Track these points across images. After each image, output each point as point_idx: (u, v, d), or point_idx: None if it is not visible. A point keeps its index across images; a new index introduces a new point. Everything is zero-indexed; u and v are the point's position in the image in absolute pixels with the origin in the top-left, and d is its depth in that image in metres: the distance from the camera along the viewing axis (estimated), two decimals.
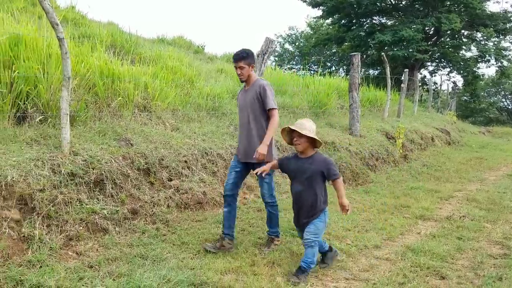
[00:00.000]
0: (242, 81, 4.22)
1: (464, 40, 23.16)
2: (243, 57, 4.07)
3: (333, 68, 30.68)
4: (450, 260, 4.14)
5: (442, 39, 23.08)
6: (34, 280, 3.18)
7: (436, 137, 12.93)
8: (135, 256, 3.88)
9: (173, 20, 69.24)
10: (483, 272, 3.86)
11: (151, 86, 6.61)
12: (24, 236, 3.64)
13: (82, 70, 5.79)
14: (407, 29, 19.93)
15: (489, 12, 21.64)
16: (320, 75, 13.52)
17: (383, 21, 24.17)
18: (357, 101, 9.35)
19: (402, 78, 13.92)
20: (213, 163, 5.89)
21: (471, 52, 23.91)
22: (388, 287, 3.52)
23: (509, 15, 22.23)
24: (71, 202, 4.12)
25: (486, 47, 22.59)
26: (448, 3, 21.48)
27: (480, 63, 23.70)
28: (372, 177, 8.10)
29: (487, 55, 22.81)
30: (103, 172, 4.52)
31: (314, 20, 31.80)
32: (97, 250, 3.96)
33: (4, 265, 3.35)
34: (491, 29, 21.20)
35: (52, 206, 3.93)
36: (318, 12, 28.00)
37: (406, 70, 14.41)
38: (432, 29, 22.60)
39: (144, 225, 4.54)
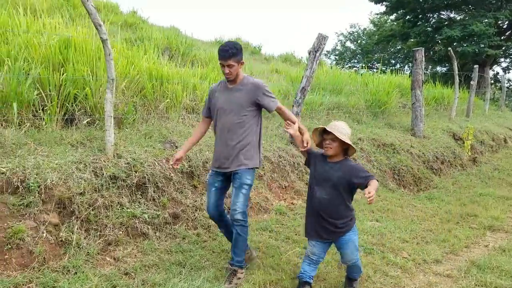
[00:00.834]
0: (229, 81, 3.58)
1: None
2: (232, 53, 3.38)
3: (398, 66, 29.43)
4: None
5: None
6: (66, 287, 3.11)
7: (510, 138, 11.84)
8: (173, 264, 3.73)
9: (233, 22, 70.00)
10: None
11: (199, 88, 6.51)
12: (61, 240, 3.60)
13: (132, 72, 5.78)
14: (478, 23, 18.59)
15: None
16: (381, 72, 12.87)
17: (451, 15, 22.75)
18: (420, 100, 8.72)
19: (472, 75, 12.93)
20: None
21: None
22: None
23: None
24: (111, 205, 4.05)
25: None
26: None
27: None
28: (436, 181, 7.49)
29: None
30: (145, 175, 4.42)
31: (378, 17, 30.73)
32: (135, 256, 3.85)
33: (39, 270, 3.31)
34: None
35: (92, 210, 3.88)
36: (381, 8, 27.07)
37: (476, 66, 13.36)
38: (506, 22, 20.92)
39: (185, 230, 4.39)
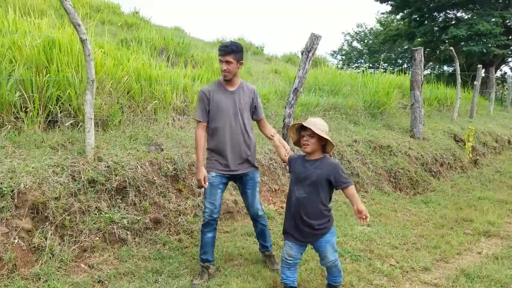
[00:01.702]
0: (226, 79, 3.55)
1: None
2: (232, 50, 3.43)
3: (405, 66, 29.10)
4: None
5: None
6: None
7: None
8: (149, 271, 3.62)
9: (238, 23, 69.94)
10: None
11: (190, 89, 6.39)
12: (34, 247, 3.50)
13: (119, 73, 5.67)
14: (484, 22, 18.30)
15: None
16: (384, 72, 12.67)
17: (458, 14, 22.44)
18: (419, 101, 8.52)
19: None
20: None
21: None
22: None
23: None
24: (88, 210, 3.94)
25: None
26: None
27: None
28: (434, 185, 7.29)
29: None
30: (126, 179, 4.30)
31: (384, 16, 30.45)
32: (111, 263, 3.74)
33: (8, 278, 3.21)
34: None
35: (68, 215, 3.77)
36: (387, 7, 26.79)
37: (480, 66, 13.12)
38: None
39: (166, 235, 4.27)
